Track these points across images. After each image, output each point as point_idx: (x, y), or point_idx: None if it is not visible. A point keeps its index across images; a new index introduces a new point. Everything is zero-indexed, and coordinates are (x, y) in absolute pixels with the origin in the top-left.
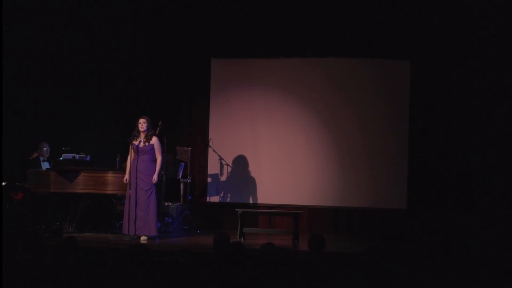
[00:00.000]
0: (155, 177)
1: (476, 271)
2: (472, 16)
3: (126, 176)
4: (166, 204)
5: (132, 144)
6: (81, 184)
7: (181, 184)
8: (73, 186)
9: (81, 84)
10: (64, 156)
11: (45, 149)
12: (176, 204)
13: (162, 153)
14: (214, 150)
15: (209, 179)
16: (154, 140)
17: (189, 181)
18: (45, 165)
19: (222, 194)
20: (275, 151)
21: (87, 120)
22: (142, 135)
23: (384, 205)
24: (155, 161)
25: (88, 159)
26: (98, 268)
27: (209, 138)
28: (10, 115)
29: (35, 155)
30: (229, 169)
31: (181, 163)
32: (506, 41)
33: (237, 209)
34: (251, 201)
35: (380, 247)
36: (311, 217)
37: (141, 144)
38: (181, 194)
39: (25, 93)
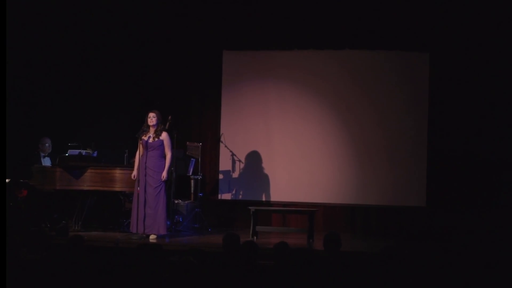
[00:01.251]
0: (164, 174)
1: (495, 269)
2: (493, 5)
3: (134, 172)
4: (176, 201)
5: (141, 139)
6: (88, 181)
7: (192, 181)
8: (79, 183)
9: (88, 77)
10: (70, 152)
11: (47, 144)
12: (186, 202)
13: (172, 149)
14: (225, 146)
15: (220, 176)
16: (164, 135)
17: (199, 177)
18: (46, 161)
19: (234, 191)
20: (289, 146)
21: (94, 115)
22: (152, 130)
23: (402, 203)
24: (164, 157)
25: (95, 155)
26: (106, 268)
27: (221, 133)
28: (15, 109)
29: (35, 151)
30: (242, 165)
31: (192, 159)
32: None
33: (249, 207)
34: (264, 199)
35: (398, 246)
36: (326, 215)
37: (151, 140)
38: (192, 191)
39: (30, 86)
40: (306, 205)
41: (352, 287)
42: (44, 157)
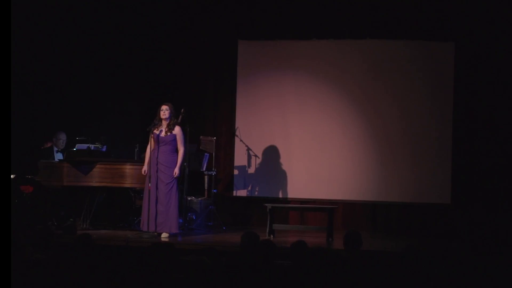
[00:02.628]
0: (176, 170)
1: None
2: None
3: (145, 167)
4: (189, 198)
5: (153, 133)
6: (97, 177)
7: (205, 177)
8: (88, 179)
9: (97, 68)
10: (78, 146)
11: (61, 140)
12: (199, 199)
13: (185, 143)
14: (241, 140)
15: (235, 172)
16: (177, 129)
17: (214, 173)
18: (59, 156)
19: (249, 188)
20: (307, 140)
21: (103, 107)
22: (164, 124)
23: (425, 200)
24: (177, 152)
25: (104, 149)
26: (115, 269)
27: (236, 127)
28: (20, 102)
29: (49, 144)
30: (258, 160)
31: (205, 154)
32: None
33: (266, 204)
34: (281, 195)
35: (421, 245)
36: (346, 212)
37: (163, 134)
38: (205, 187)
39: (36, 79)
40: (325, 202)
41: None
42: (57, 152)
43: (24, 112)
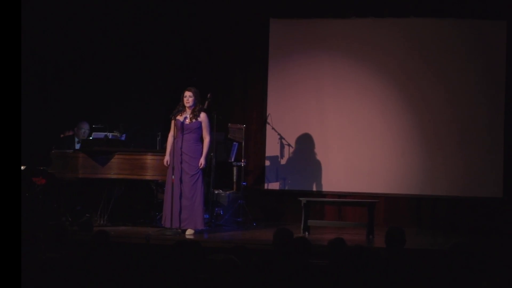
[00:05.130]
0: (202, 160)
1: None
2: None
3: (167, 157)
4: (216, 192)
5: (176, 119)
6: (115, 168)
7: (234, 168)
8: (105, 170)
9: (116, 49)
10: (95, 135)
11: (83, 130)
12: (227, 192)
13: (211, 131)
14: (272, 128)
15: (267, 162)
16: (203, 116)
17: (243, 164)
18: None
19: (282, 180)
20: (346, 128)
21: (122, 92)
22: (188, 111)
23: (475, 193)
24: (202, 141)
25: (123, 138)
26: (135, 269)
27: (267, 114)
28: (33, 87)
29: (70, 133)
30: (291, 150)
31: (234, 143)
32: None
33: (300, 198)
34: (316, 189)
35: (471, 243)
36: (388, 207)
37: (187, 121)
38: (234, 180)
39: (50, 62)
40: (365, 196)
41: None
42: (78, 142)
43: (37, 98)
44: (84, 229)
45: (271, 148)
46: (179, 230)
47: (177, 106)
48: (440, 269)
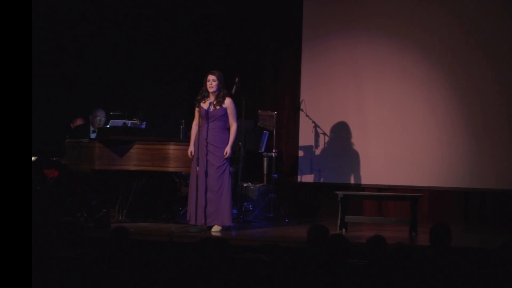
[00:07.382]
0: (228, 149)
1: None
2: None
3: (191, 148)
4: (244, 185)
5: (200, 107)
6: (134, 159)
7: (265, 159)
8: (123, 161)
9: (135, 30)
10: (113, 122)
11: (98, 117)
12: (257, 185)
13: (239, 119)
14: (306, 115)
15: (300, 153)
16: (228, 102)
17: (274, 155)
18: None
19: (317, 172)
20: (386, 116)
21: (142, 76)
22: (212, 97)
23: None
24: (229, 129)
25: (143, 126)
26: (156, 268)
27: (301, 99)
28: (46, 71)
29: (79, 122)
30: (326, 139)
31: (265, 132)
32: None
33: (337, 192)
34: (354, 182)
35: None
36: (433, 202)
37: (211, 108)
38: (265, 172)
39: (65, 45)
40: (407, 190)
41: None
42: (93, 131)
43: (49, 81)
44: (100, 226)
45: (305, 137)
46: (205, 227)
47: (201, 91)
48: (489, 269)
